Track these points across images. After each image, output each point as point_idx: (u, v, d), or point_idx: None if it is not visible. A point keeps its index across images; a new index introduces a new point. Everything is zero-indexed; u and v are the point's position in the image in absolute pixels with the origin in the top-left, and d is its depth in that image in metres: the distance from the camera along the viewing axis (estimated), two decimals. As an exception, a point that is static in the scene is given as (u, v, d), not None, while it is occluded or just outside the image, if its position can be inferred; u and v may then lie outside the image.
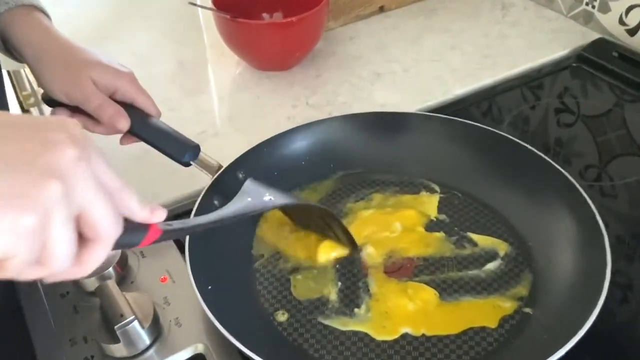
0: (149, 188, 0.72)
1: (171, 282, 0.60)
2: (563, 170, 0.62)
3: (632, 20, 0.91)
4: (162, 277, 0.60)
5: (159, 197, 0.70)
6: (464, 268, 0.59)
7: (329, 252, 0.61)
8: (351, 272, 0.60)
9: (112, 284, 0.54)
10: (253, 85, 0.89)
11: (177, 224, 0.44)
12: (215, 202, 0.63)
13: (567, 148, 0.76)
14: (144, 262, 0.62)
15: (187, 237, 0.58)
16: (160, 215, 0.39)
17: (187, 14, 1.09)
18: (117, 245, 0.36)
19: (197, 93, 0.90)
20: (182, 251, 0.62)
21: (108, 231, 0.35)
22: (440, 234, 0.63)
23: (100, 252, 0.35)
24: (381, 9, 1.05)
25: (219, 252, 0.60)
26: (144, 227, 0.39)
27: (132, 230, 0.38)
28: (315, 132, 0.71)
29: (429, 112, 0.82)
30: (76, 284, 0.59)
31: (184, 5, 1.11)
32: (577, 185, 0.60)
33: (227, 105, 0.86)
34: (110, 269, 0.58)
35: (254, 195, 0.55)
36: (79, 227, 0.34)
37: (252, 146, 0.69)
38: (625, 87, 0.86)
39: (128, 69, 0.66)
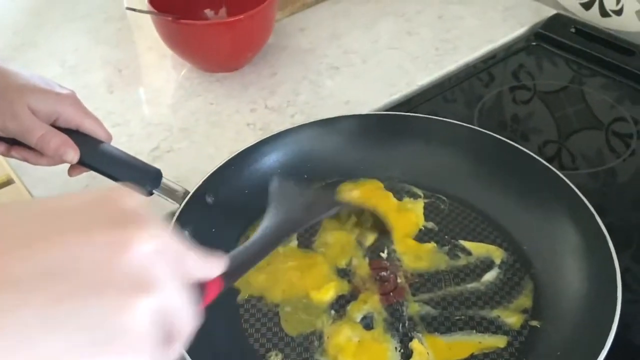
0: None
1: (147, 330, 0.54)
2: (553, 168, 0.59)
3: (587, -6, 0.89)
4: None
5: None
6: (461, 281, 0.56)
7: (329, 292, 0.56)
8: (343, 297, 0.56)
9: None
10: (203, 91, 0.82)
11: (235, 267, 0.38)
12: (186, 233, 0.57)
13: (524, 125, 0.76)
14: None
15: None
16: (220, 266, 0.34)
17: (116, 13, 0.99)
18: None
19: (141, 103, 0.82)
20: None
21: (190, 327, 0.30)
22: (431, 245, 0.59)
23: (181, 345, 0.30)
24: (328, -5, 0.99)
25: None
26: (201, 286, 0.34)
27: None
28: (285, 142, 0.65)
29: (396, 105, 0.78)
30: None
31: (112, 3, 1.03)
32: (570, 184, 0.58)
33: (178, 115, 0.79)
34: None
35: (291, 206, 0.50)
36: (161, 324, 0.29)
37: (215, 163, 0.62)
38: (583, 63, 0.85)
39: (69, 90, 0.58)
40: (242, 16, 0.76)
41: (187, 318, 0.30)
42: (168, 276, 0.28)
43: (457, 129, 0.66)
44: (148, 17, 0.79)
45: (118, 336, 0.26)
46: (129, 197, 0.29)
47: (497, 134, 0.64)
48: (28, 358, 0.24)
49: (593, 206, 0.56)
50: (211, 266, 0.34)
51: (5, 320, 0.24)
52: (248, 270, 0.42)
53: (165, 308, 0.28)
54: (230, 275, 0.37)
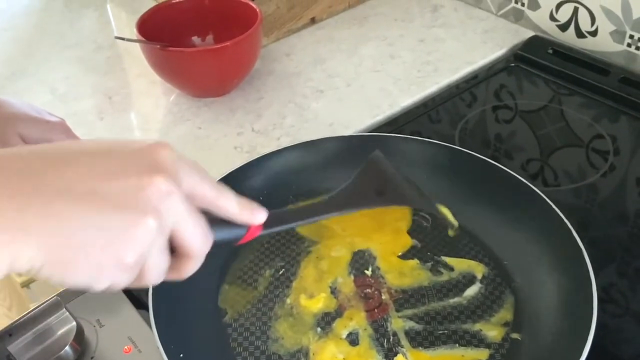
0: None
1: (137, 351, 0.54)
2: (531, 185, 0.61)
3: (562, 16, 0.92)
4: (126, 347, 0.55)
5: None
6: (444, 296, 0.57)
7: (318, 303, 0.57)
8: (329, 315, 0.57)
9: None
10: (192, 116, 0.84)
11: (276, 217, 0.44)
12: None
13: (507, 144, 0.77)
14: (103, 332, 0.56)
15: (150, 299, 0.53)
16: (261, 217, 0.42)
17: (106, 42, 1.01)
18: (221, 243, 0.40)
19: (131, 130, 0.84)
20: (139, 309, 0.58)
21: (199, 249, 0.38)
22: (414, 262, 0.61)
23: (194, 264, 0.39)
24: (312, 21, 1.02)
25: (185, 311, 0.56)
26: (244, 225, 0.41)
27: (235, 227, 0.41)
28: (269, 164, 0.67)
29: (381, 126, 0.80)
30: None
31: (101, 32, 1.05)
32: (547, 199, 0.59)
33: (168, 140, 0.79)
34: (67, 347, 0.53)
35: (367, 185, 0.51)
36: (173, 243, 0.37)
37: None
38: (562, 82, 0.87)
39: (59, 117, 0.60)
40: (228, 43, 0.78)
41: (197, 245, 0.37)
42: (179, 207, 0.35)
43: (437, 148, 0.68)
44: (137, 45, 0.81)
45: (127, 239, 0.34)
46: (164, 149, 0.36)
47: (481, 153, 0.66)
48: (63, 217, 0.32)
49: (576, 221, 0.57)
50: (249, 212, 0.41)
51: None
52: (287, 226, 0.47)
53: (174, 229, 0.36)
54: (271, 225, 0.44)
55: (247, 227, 0.42)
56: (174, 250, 0.37)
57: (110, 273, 0.34)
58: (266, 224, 0.43)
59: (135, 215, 0.34)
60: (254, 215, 0.42)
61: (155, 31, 0.81)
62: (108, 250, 0.33)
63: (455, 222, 0.56)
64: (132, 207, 0.34)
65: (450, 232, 0.61)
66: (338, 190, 0.50)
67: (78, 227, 0.32)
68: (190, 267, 0.39)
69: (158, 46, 0.78)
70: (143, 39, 0.79)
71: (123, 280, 0.35)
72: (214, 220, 0.40)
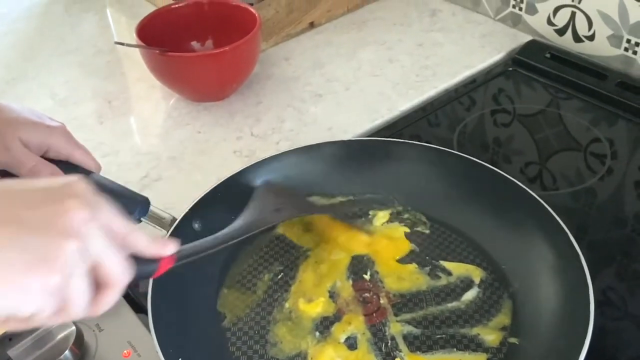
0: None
1: (136, 355, 0.55)
2: (529, 189, 0.61)
3: (560, 21, 0.93)
4: (126, 351, 0.55)
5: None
6: (442, 301, 0.58)
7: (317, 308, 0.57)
8: (327, 319, 0.57)
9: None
10: (191, 120, 0.84)
11: (187, 249, 0.48)
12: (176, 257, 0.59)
13: (506, 147, 0.78)
14: (103, 336, 0.57)
15: (149, 303, 0.53)
16: (170, 249, 0.44)
17: (106, 46, 1.02)
18: (137, 277, 0.41)
19: (131, 133, 0.84)
20: (139, 314, 0.58)
21: (120, 278, 0.39)
22: (412, 266, 0.61)
23: (114, 296, 0.39)
24: (311, 25, 1.02)
25: (184, 316, 0.56)
26: (157, 259, 0.44)
27: (147, 263, 0.43)
28: (270, 169, 0.67)
29: (381, 130, 0.81)
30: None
31: (101, 36, 1.05)
32: (545, 204, 0.60)
33: (167, 144, 0.80)
34: (67, 352, 0.53)
35: (264, 207, 0.57)
36: (95, 276, 0.38)
37: (202, 190, 0.64)
38: (559, 87, 0.88)
39: (59, 122, 0.60)
40: (227, 48, 0.79)
41: (118, 274, 0.39)
42: (99, 236, 0.37)
43: (435, 153, 0.68)
44: (137, 50, 0.82)
45: (49, 258, 0.35)
46: (82, 184, 0.38)
47: (480, 156, 0.66)
48: None
49: (575, 224, 0.58)
50: (158, 246, 0.43)
51: None
52: (200, 255, 0.50)
53: (95, 259, 0.37)
54: (183, 257, 0.47)
55: (159, 261, 0.44)
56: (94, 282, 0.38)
57: (35, 296, 0.35)
58: (179, 256, 0.45)
59: (58, 237, 0.35)
60: (163, 247, 0.44)
61: (154, 36, 0.81)
62: (31, 271, 0.34)
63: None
64: (54, 230, 0.35)
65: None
66: (240, 217, 0.57)
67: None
68: (110, 298, 0.39)
69: (157, 51, 0.78)
70: (142, 43, 0.79)
71: (47, 305, 0.35)
72: (127, 257, 0.41)
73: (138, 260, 0.42)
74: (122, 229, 0.40)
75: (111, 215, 0.40)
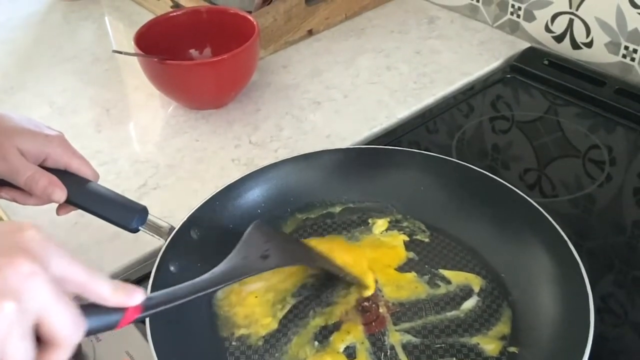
0: (89, 258, 0.66)
1: (134, 366, 0.54)
2: (528, 198, 0.61)
3: (558, 28, 0.93)
4: (123, 362, 0.55)
5: (101, 267, 0.65)
6: (441, 310, 0.57)
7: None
8: (326, 328, 0.57)
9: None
10: (189, 128, 0.84)
11: (157, 297, 0.43)
12: (172, 269, 0.58)
13: (505, 154, 0.78)
14: (100, 346, 0.56)
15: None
16: (137, 298, 0.40)
17: (104, 55, 1.02)
18: (94, 331, 0.38)
19: (129, 142, 0.84)
20: (137, 323, 0.57)
21: (67, 337, 0.36)
22: (411, 275, 0.61)
23: (62, 354, 0.36)
24: (310, 33, 1.02)
25: (182, 325, 0.55)
26: (120, 309, 0.40)
27: (110, 313, 0.39)
28: (268, 177, 0.67)
29: (376, 138, 0.81)
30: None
31: (99, 45, 1.05)
32: (544, 212, 0.60)
33: (165, 152, 0.80)
34: (64, 362, 0.53)
35: (251, 252, 0.53)
36: (39, 333, 0.35)
37: (200, 198, 0.64)
38: (557, 93, 0.88)
39: (57, 131, 0.60)
40: (226, 56, 0.79)
41: (65, 333, 0.35)
42: (44, 291, 0.34)
43: (434, 161, 0.68)
44: (135, 58, 0.82)
45: None
46: (29, 230, 0.36)
47: (479, 163, 0.67)
48: None
49: (574, 231, 0.58)
50: (122, 295, 0.39)
51: None
52: (173, 304, 0.44)
53: (39, 317, 0.34)
54: (151, 306, 0.42)
55: (123, 311, 0.40)
56: (40, 339, 0.35)
57: None
58: (147, 305, 0.41)
59: None
60: (129, 296, 0.40)
61: (153, 44, 0.81)
62: None
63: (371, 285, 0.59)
64: None
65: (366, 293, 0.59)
66: (224, 261, 0.52)
67: None
68: (57, 358, 0.36)
69: (156, 59, 0.78)
70: (141, 52, 0.79)
71: None
72: (88, 306, 0.38)
73: (100, 309, 0.38)
74: (79, 277, 0.37)
75: (66, 262, 0.37)
